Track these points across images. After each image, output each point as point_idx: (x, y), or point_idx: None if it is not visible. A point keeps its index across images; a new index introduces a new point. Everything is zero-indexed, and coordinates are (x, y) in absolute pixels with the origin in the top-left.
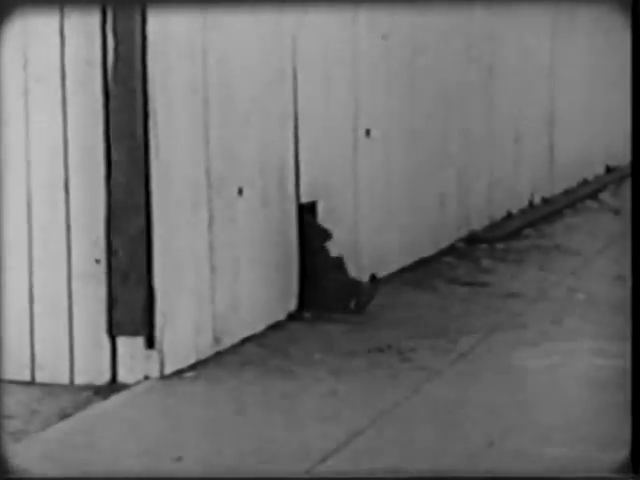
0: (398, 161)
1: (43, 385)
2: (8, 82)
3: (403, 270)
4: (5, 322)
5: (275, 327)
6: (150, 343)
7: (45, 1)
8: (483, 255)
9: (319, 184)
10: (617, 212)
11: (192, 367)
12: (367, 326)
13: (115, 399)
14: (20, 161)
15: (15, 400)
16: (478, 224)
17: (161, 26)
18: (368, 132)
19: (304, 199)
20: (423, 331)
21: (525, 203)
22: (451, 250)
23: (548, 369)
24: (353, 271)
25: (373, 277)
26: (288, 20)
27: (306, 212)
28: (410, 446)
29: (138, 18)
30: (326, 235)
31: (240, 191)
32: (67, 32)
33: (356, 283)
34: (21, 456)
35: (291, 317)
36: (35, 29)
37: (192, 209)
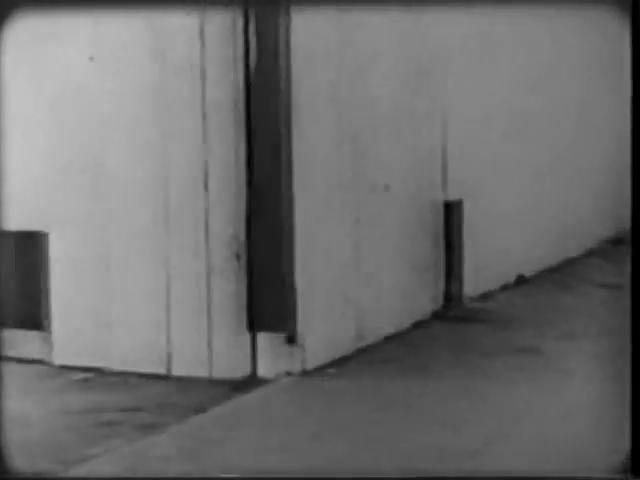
0: (545, 159)
1: (179, 379)
2: (145, 80)
3: (549, 270)
4: (140, 315)
5: (419, 325)
6: (291, 339)
7: (45, 1)
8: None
9: (466, 182)
10: None
11: (333, 364)
12: (510, 326)
13: (254, 394)
14: (158, 158)
15: (150, 393)
16: (627, 225)
17: (305, 24)
18: (513, 130)
19: (451, 197)
20: (565, 332)
21: None
22: (598, 251)
23: None
24: (500, 271)
25: (520, 277)
26: (429, 17)
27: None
28: (546, 448)
29: (282, 16)
30: None
31: (386, 188)
32: (207, 30)
33: None
34: (156, 449)
35: (435, 316)
36: (173, 27)
37: (336, 206)
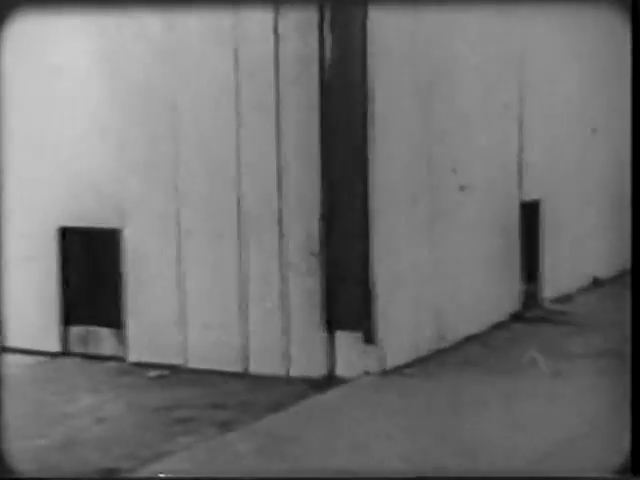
0: (625, 161)
1: (256, 377)
2: (219, 77)
3: (623, 274)
4: (216, 313)
5: (498, 327)
6: (369, 338)
7: (45, 1)
8: None
9: (543, 182)
10: None
11: (412, 364)
12: (588, 329)
13: (332, 393)
14: (230, 156)
15: (227, 391)
16: None
17: (382, 22)
18: (594, 130)
19: (527, 197)
20: None
21: None
22: None
23: None
24: (577, 273)
25: (596, 279)
26: (516, 19)
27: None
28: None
29: (358, 14)
30: None
31: (462, 188)
32: (281, 29)
33: None
34: (233, 447)
35: (514, 317)
36: (247, 24)
37: (412, 205)
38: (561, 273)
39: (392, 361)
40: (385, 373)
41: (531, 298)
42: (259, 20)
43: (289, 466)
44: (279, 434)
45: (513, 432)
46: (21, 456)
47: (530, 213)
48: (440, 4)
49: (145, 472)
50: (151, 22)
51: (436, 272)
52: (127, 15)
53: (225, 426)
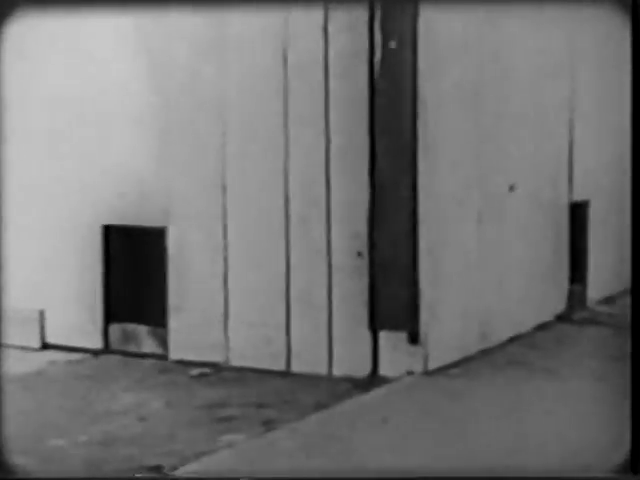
0: None
1: (298, 375)
2: (265, 77)
3: None
4: (259, 311)
5: (543, 327)
6: (414, 338)
7: (45, 2)
8: None
9: (592, 183)
10: None
11: (457, 364)
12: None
13: (375, 393)
14: (278, 154)
15: (270, 389)
16: None
17: (433, 21)
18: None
19: (576, 198)
20: None
21: None
22: None
23: None
24: (622, 274)
25: None
26: (565, 18)
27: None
28: None
29: (409, 12)
30: None
31: (511, 188)
32: (331, 26)
33: None
34: (277, 445)
35: (559, 318)
36: (296, 22)
37: (460, 205)
38: (605, 274)
39: (436, 361)
40: (429, 373)
41: (577, 299)
42: (308, 18)
43: (333, 465)
44: (323, 433)
45: (557, 432)
46: (59, 453)
47: (579, 213)
48: (491, 4)
49: (188, 470)
50: (196, 20)
51: (483, 272)
52: (171, 13)
53: (268, 425)
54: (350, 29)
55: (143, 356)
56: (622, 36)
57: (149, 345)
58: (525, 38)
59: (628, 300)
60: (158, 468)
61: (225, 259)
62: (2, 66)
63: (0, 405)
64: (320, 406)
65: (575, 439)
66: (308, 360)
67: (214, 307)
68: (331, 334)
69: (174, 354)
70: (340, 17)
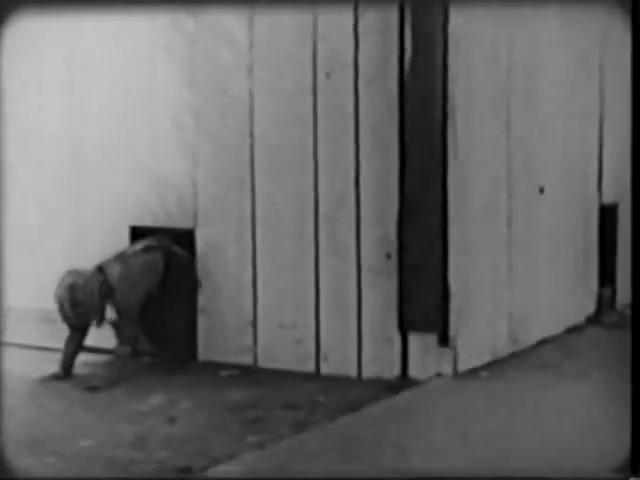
0: None
1: (327, 377)
2: (295, 78)
3: None
4: (288, 313)
5: (572, 330)
6: (444, 340)
7: (45, 2)
8: None
9: (621, 185)
10: None
11: (486, 366)
12: None
13: (405, 395)
14: (308, 156)
15: (300, 391)
16: None
17: (463, 23)
18: None
19: (605, 200)
20: None
21: None
22: None
23: None
24: None
25: None
26: (596, 21)
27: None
28: None
29: (439, 15)
30: None
31: (541, 190)
32: (361, 28)
33: None
34: (307, 447)
35: (589, 321)
36: (326, 25)
37: (490, 207)
38: None
39: (466, 363)
40: (459, 375)
41: (607, 302)
42: (339, 19)
43: (364, 467)
44: (353, 435)
45: (588, 435)
46: (87, 453)
47: (608, 216)
48: (519, 5)
49: (217, 471)
50: (228, 21)
51: (513, 275)
52: (205, 14)
53: (298, 426)
54: (380, 31)
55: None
56: None
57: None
58: (555, 41)
59: None
60: (187, 469)
61: (254, 261)
62: (2, 66)
63: (0, 405)
64: (350, 408)
65: (602, 440)
66: (338, 362)
67: (243, 309)
68: (361, 336)
69: (203, 355)
70: (370, 19)
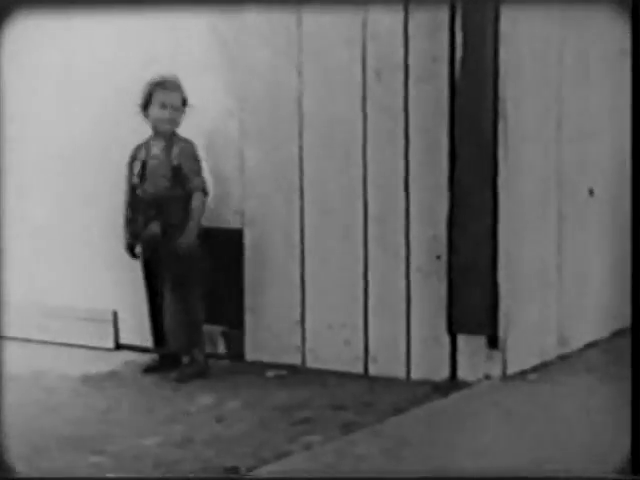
0: None
1: (376, 378)
2: (344, 79)
3: None
4: (337, 313)
5: (620, 333)
6: (493, 342)
7: (45, 2)
8: None
9: None
10: None
11: (535, 369)
12: None
13: (455, 397)
14: (357, 157)
15: (348, 392)
16: None
17: (514, 22)
18: None
19: None
20: None
21: None
22: None
23: None
24: None
25: None
26: None
27: None
28: None
29: (490, 14)
30: None
31: (591, 192)
32: (411, 28)
33: None
34: (355, 448)
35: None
36: (376, 25)
37: (540, 209)
38: None
39: (515, 366)
40: (508, 378)
41: None
42: (388, 20)
43: (413, 468)
44: (402, 436)
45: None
46: (132, 452)
47: None
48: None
49: (264, 471)
50: (272, 21)
51: (562, 277)
52: (247, 13)
53: (347, 427)
54: (431, 31)
55: (219, 357)
56: None
57: (225, 346)
58: (607, 37)
59: None
60: (235, 469)
61: (302, 261)
62: (2, 66)
63: (0, 405)
64: (398, 409)
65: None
66: (386, 363)
67: (291, 308)
68: (409, 337)
69: (250, 355)
70: (420, 19)
